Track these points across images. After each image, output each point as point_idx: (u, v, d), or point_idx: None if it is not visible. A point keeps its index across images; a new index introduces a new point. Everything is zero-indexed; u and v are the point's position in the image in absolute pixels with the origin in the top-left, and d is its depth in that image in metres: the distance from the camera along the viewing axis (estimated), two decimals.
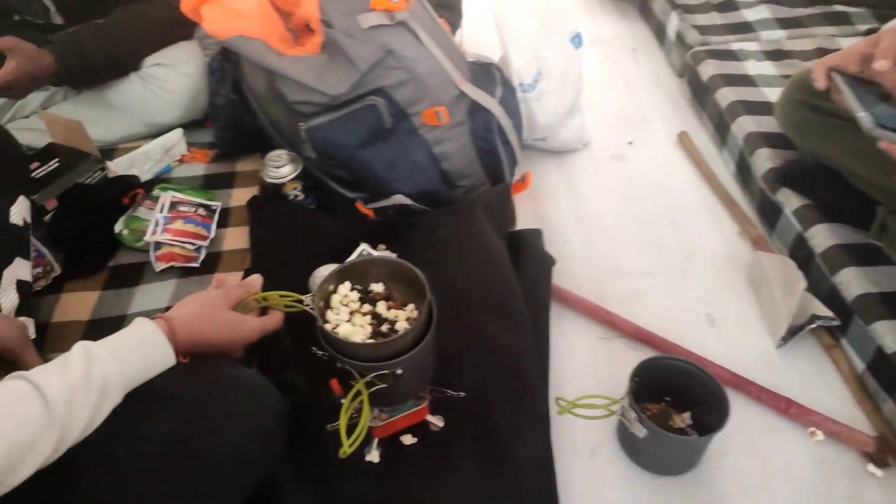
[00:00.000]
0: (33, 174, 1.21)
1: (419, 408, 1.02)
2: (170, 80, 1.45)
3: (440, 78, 1.29)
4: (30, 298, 1.04)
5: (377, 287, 0.98)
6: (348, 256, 1.27)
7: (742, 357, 1.20)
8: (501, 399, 1.04)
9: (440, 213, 1.34)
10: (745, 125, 1.53)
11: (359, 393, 0.88)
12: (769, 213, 1.43)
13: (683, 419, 1.10)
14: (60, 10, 1.40)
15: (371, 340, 0.90)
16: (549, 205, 1.52)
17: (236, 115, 1.37)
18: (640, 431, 0.99)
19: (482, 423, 1.02)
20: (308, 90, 1.22)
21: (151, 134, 1.46)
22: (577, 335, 1.24)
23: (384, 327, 0.93)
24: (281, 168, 1.30)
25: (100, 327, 1.10)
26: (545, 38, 1.49)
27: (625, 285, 1.34)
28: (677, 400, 1.11)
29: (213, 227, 1.26)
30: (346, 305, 0.95)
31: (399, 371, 0.90)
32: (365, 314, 0.95)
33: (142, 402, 0.72)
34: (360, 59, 1.20)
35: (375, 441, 1.02)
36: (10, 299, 0.97)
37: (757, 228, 1.43)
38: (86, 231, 1.19)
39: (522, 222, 1.43)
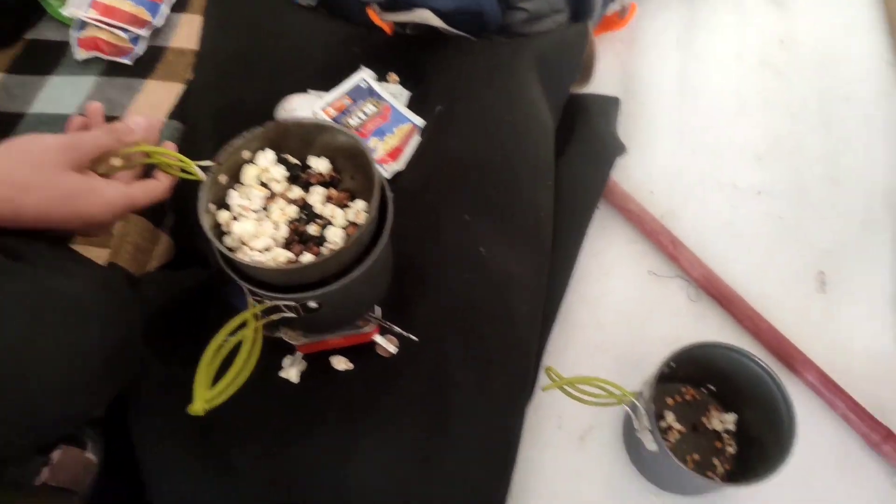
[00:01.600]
0: None
1: (362, 331, 0.75)
2: None
3: None
4: None
5: (319, 164, 0.66)
6: (339, 82, 0.92)
7: (848, 347, 0.84)
8: (468, 353, 0.74)
9: (475, 48, 0.94)
10: None
11: (243, 325, 0.60)
12: None
13: (724, 421, 0.79)
14: None
15: (277, 252, 0.60)
16: (646, 59, 1.07)
17: None
18: (649, 443, 0.70)
19: (437, 374, 0.75)
20: None
21: None
22: (620, 260, 0.90)
23: (312, 229, 0.63)
24: None
25: None
26: None
27: (715, 204, 0.94)
28: (724, 391, 0.79)
29: (164, 8, 0.91)
30: (265, 186, 0.64)
31: (314, 304, 0.61)
32: (292, 202, 0.64)
33: None
34: None
35: (299, 355, 0.77)
36: None
37: None
38: None
39: (602, 79, 1.00)
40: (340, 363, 0.77)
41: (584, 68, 0.98)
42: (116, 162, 0.63)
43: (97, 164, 0.62)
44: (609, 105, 0.94)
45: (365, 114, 0.90)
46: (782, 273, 0.89)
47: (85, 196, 0.58)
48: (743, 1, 1.14)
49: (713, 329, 0.85)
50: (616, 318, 0.86)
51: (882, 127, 1.00)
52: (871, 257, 0.90)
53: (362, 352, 0.77)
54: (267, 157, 0.64)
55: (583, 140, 0.88)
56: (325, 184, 0.66)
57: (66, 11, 0.87)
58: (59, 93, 0.85)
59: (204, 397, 0.55)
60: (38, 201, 0.55)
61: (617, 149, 0.91)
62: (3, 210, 0.54)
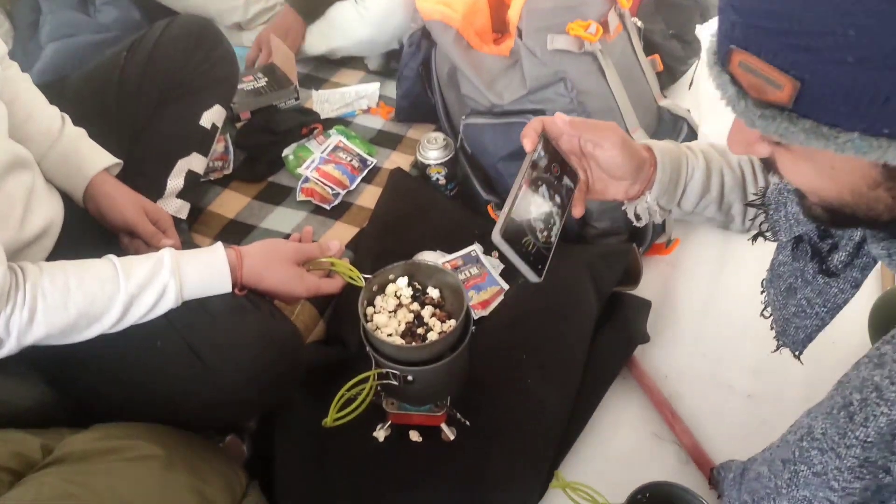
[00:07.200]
0: (243, 86, 1.46)
1: (436, 414, 1.08)
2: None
3: (610, 119, 1.25)
4: (196, 186, 1.28)
5: (433, 292, 1.04)
6: (458, 249, 1.33)
7: None
8: (504, 449, 1.05)
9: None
10: None
11: (367, 379, 0.96)
12: None
13: None
14: None
15: (395, 338, 0.97)
16: (682, 280, 1.41)
17: (418, 88, 1.47)
18: None
19: (475, 463, 1.05)
20: (476, 90, 1.27)
21: (347, 48, 1.69)
22: (631, 417, 1.18)
23: (420, 330, 0.99)
24: (432, 151, 1.39)
25: (234, 229, 1.32)
26: None
27: (712, 397, 1.22)
28: None
29: (358, 180, 1.40)
30: (398, 297, 1.03)
31: (410, 378, 0.96)
32: (411, 311, 1.02)
33: (188, 316, 0.89)
34: (530, 78, 1.21)
35: (389, 423, 1.10)
36: (176, 183, 1.21)
37: None
38: (264, 147, 1.40)
39: (646, 287, 1.35)
40: (414, 435, 1.09)
41: (633, 276, 1.34)
42: (315, 265, 1.05)
43: (305, 264, 1.03)
44: (642, 305, 1.28)
45: (470, 273, 1.30)
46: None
47: (297, 280, 0.99)
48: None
49: (693, 485, 1.10)
50: (618, 458, 1.13)
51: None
52: None
53: (431, 433, 1.09)
54: (402, 281, 1.03)
55: (616, 325, 1.22)
56: (434, 305, 1.03)
57: (299, 170, 1.37)
58: (281, 218, 1.33)
59: (333, 417, 0.90)
60: (276, 278, 0.97)
61: (641, 336, 1.23)
62: (254, 279, 0.95)
